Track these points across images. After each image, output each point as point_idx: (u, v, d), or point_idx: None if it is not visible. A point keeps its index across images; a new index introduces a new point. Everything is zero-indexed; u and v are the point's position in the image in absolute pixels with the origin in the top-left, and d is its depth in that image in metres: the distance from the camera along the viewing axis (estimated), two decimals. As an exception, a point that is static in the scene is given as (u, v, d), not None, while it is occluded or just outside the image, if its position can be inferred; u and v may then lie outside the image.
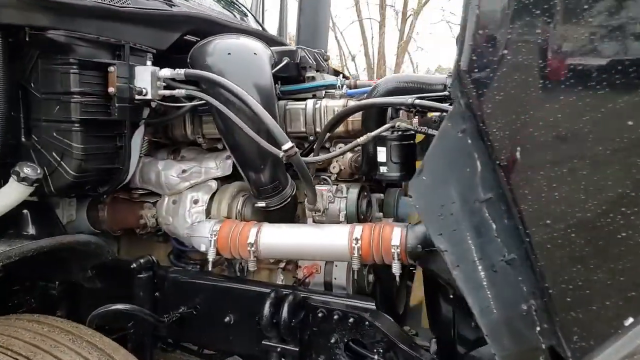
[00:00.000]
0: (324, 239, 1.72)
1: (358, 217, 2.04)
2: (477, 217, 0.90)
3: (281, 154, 1.66)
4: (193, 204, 2.28)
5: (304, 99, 2.27)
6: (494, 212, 0.88)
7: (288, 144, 1.63)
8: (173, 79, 1.86)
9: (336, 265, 2.12)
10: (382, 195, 2.24)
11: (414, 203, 0.97)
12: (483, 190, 0.89)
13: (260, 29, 3.66)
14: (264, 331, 1.94)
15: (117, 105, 1.78)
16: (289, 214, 2.20)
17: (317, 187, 2.01)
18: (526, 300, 0.91)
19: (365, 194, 2.12)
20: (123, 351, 1.54)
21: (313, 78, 2.31)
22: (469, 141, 0.88)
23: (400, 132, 1.70)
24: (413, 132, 1.71)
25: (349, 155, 2.15)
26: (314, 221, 2.12)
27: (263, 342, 1.96)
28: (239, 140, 1.91)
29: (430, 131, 1.59)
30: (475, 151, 0.87)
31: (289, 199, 2.11)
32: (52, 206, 2.03)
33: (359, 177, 2.25)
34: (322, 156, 1.82)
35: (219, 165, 2.35)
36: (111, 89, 1.76)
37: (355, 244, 1.67)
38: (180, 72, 1.81)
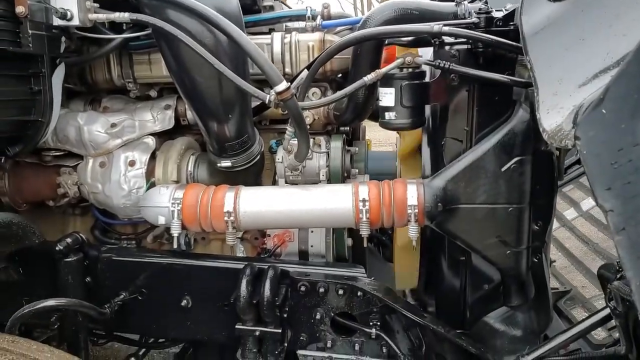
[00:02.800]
0: (322, 203, 1.41)
1: (342, 174, 1.75)
2: (667, 161, 0.65)
3: (270, 97, 1.30)
4: (128, 166, 1.82)
5: (261, 33, 1.87)
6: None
7: (283, 84, 1.26)
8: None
9: (312, 232, 1.83)
10: (356, 148, 1.96)
11: (581, 148, 0.71)
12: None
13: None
14: (239, 314, 1.61)
15: (30, 32, 1.27)
16: (255, 176, 1.84)
17: (292, 141, 1.66)
18: None
19: (347, 148, 1.82)
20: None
21: (272, 7, 1.91)
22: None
23: (410, 70, 1.41)
24: (424, 70, 1.43)
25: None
26: (286, 182, 1.79)
27: (237, 326, 1.63)
28: (200, 82, 1.49)
29: (453, 67, 1.32)
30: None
31: (258, 157, 1.75)
32: None
33: (331, 129, 1.94)
34: (323, 99, 1.47)
35: (156, 117, 1.90)
36: (20, 9, 1.24)
37: (363, 207, 1.38)
38: (120, -14, 1.33)
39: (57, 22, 1.33)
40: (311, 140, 1.75)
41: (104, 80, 1.88)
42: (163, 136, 1.95)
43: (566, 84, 0.92)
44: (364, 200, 1.39)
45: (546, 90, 0.96)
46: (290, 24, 1.88)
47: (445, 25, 1.27)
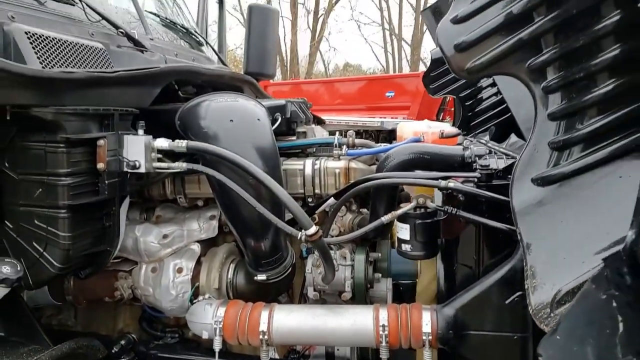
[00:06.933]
0: (346, 326, 1.60)
1: (365, 285, 1.94)
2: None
3: (301, 236, 1.53)
4: (177, 272, 2.06)
5: (294, 155, 2.14)
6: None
7: (313, 229, 1.50)
8: (170, 151, 1.65)
9: (338, 334, 2.00)
10: (379, 254, 2.15)
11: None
12: (622, 351, 0.82)
13: (218, 59, 3.49)
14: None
15: (106, 182, 1.55)
16: (287, 284, 2.05)
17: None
18: None
19: (370, 259, 2.02)
20: None
21: (304, 133, 2.18)
22: (614, 304, 0.82)
23: (423, 210, 1.63)
24: (436, 210, 1.65)
25: (349, 216, 2.05)
26: (314, 290, 1.99)
27: None
28: (242, 213, 1.74)
29: (459, 213, 1.53)
30: (619, 314, 0.82)
31: (290, 269, 1.96)
32: (20, 296, 1.73)
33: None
34: (344, 237, 1.70)
35: (202, 226, 2.16)
36: (101, 165, 1.53)
37: (383, 332, 1.56)
38: (180, 144, 1.61)
39: (126, 169, 1.61)
40: (337, 252, 1.97)
41: (159, 195, 2.16)
42: (207, 239, 2.20)
43: (557, 256, 1.09)
44: (383, 326, 1.57)
45: (536, 258, 1.14)
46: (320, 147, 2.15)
47: (450, 181, 1.49)
